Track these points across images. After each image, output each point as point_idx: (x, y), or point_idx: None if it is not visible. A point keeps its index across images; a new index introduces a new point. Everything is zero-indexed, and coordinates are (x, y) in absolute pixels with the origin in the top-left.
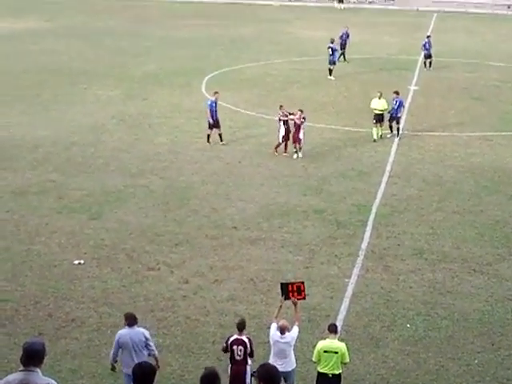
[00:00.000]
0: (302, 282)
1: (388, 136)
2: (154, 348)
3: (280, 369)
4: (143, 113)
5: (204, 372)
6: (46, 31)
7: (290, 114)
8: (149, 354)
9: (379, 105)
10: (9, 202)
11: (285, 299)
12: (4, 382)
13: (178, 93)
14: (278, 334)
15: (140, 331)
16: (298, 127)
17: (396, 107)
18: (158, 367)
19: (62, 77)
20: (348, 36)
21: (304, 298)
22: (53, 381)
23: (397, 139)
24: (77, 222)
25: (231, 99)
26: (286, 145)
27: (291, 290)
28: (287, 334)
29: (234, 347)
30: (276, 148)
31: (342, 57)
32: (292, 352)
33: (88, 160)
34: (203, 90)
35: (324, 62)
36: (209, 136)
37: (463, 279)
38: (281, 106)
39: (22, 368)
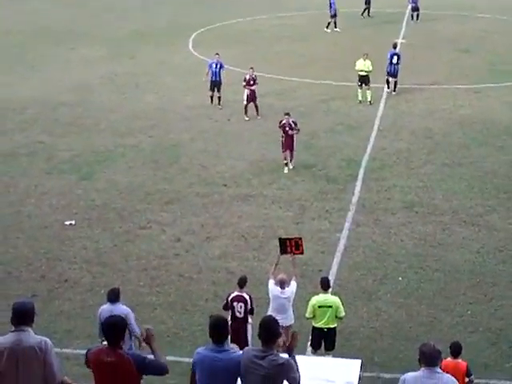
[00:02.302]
0: (300, 238)
1: (386, 90)
2: (135, 328)
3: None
4: (130, 72)
5: (212, 319)
6: None
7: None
8: (130, 334)
9: (364, 66)
10: None
11: (281, 254)
12: None
13: (165, 50)
14: (278, 288)
15: (121, 310)
16: (287, 132)
17: (395, 62)
18: (141, 346)
19: (47, 37)
20: None
21: (302, 253)
22: (46, 339)
23: (388, 91)
24: (67, 183)
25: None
26: (246, 108)
27: (289, 245)
28: (287, 288)
29: (235, 304)
30: (246, 111)
31: (366, 12)
32: (291, 307)
33: (76, 120)
34: (190, 47)
35: (311, 17)
36: (212, 97)
37: (454, 231)
38: (251, 68)
39: (13, 329)
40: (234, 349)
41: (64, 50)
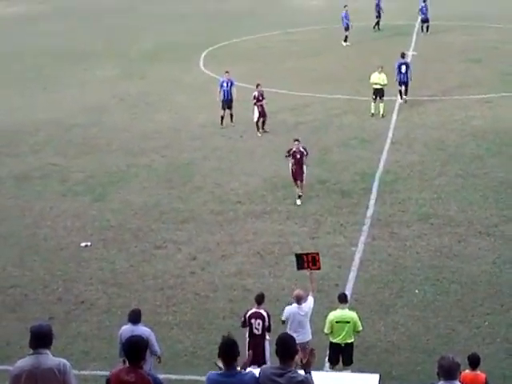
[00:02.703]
0: (317, 253)
1: (400, 101)
2: (156, 349)
3: (298, 340)
4: (142, 91)
5: (222, 340)
6: (40, 13)
7: (289, 153)
8: (151, 353)
9: (379, 79)
10: (12, 187)
11: (298, 269)
12: (16, 368)
13: (176, 69)
14: (295, 304)
15: (142, 330)
16: (298, 161)
17: (404, 72)
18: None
19: (60, 58)
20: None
21: (319, 269)
22: (65, 360)
23: (402, 101)
24: (81, 205)
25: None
26: (257, 124)
27: (306, 261)
28: (303, 304)
29: (253, 321)
30: (258, 127)
31: (376, 26)
32: (308, 323)
33: (89, 141)
34: (201, 65)
35: (320, 32)
36: (222, 117)
37: (470, 242)
38: (258, 85)
39: (31, 352)
40: (246, 371)
41: (77, 70)
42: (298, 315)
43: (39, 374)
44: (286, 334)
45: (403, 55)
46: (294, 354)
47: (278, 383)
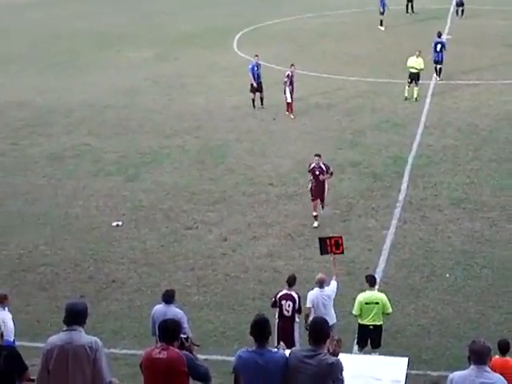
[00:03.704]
0: (340, 237)
1: (435, 79)
2: (187, 331)
3: None
4: (176, 73)
5: (254, 318)
6: None
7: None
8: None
9: (416, 63)
10: (45, 167)
11: (322, 254)
12: (48, 343)
13: (210, 52)
14: (317, 288)
15: (175, 312)
16: (318, 178)
17: (439, 50)
18: (191, 349)
19: (94, 40)
20: None
21: (342, 253)
22: (96, 338)
23: (437, 78)
24: (113, 185)
25: (263, 55)
26: (290, 105)
27: (329, 245)
28: (326, 287)
29: (283, 302)
30: (289, 110)
31: (410, 8)
32: (332, 307)
33: (122, 122)
34: (235, 47)
35: (354, 15)
36: (253, 100)
37: (502, 227)
38: (292, 65)
39: (65, 328)
40: (278, 349)
41: (110, 53)
42: (321, 298)
43: (71, 350)
44: (320, 317)
45: (439, 34)
46: (326, 338)
47: (308, 364)
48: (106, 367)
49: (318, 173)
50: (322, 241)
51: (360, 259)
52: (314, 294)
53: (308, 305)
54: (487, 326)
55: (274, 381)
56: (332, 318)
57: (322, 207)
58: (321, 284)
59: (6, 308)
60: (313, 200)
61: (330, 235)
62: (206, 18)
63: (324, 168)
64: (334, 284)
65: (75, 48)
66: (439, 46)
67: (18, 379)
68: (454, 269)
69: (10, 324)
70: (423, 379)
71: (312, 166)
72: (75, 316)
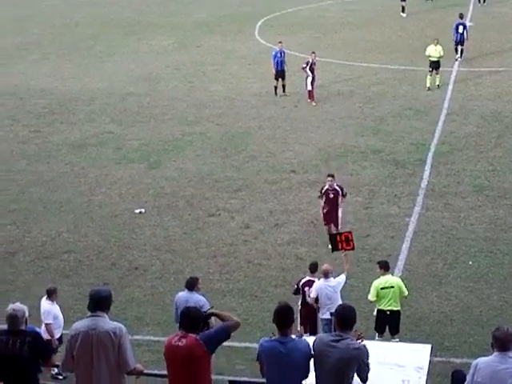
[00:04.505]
0: (350, 232)
1: (457, 58)
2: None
3: (326, 316)
4: (197, 61)
5: (278, 306)
6: None
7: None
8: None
9: (435, 52)
10: (68, 154)
11: (333, 251)
12: (73, 329)
13: (231, 39)
14: (322, 279)
15: (197, 298)
16: (332, 201)
17: (461, 32)
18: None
19: (115, 28)
20: None
21: (353, 249)
22: (120, 325)
23: (460, 60)
24: (136, 172)
25: (285, 43)
26: (312, 92)
27: (340, 241)
28: (332, 278)
29: (306, 289)
30: (311, 97)
31: None
32: (339, 298)
33: (144, 110)
34: (256, 35)
35: (376, 2)
36: (276, 87)
37: None
38: (313, 52)
39: (89, 314)
40: (300, 337)
41: (132, 40)
42: (325, 289)
43: (95, 336)
44: (347, 304)
45: (461, 16)
46: (352, 323)
47: (335, 348)
48: (131, 353)
49: (332, 196)
50: (333, 237)
51: (382, 246)
52: (318, 284)
53: (312, 295)
54: (510, 313)
55: (297, 369)
56: None
57: (336, 230)
58: (325, 274)
59: (55, 302)
60: (326, 224)
61: (341, 231)
62: (227, 6)
63: (339, 190)
64: (342, 277)
65: (95, 36)
66: (461, 28)
67: (42, 364)
68: (476, 256)
69: (61, 318)
70: (446, 366)
71: (325, 188)
72: (99, 302)
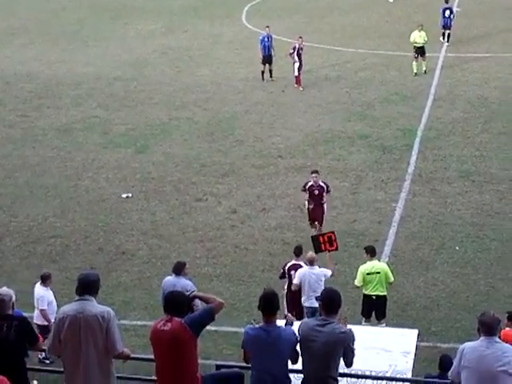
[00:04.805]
0: (332, 232)
1: (442, 41)
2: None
3: (309, 304)
4: (184, 45)
5: (263, 292)
6: None
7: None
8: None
9: (420, 38)
10: (54, 139)
11: (316, 252)
12: (60, 312)
13: (219, 24)
14: (307, 266)
15: (185, 283)
16: (316, 198)
17: (448, 16)
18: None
19: (102, 13)
20: None
21: (336, 249)
22: (108, 308)
23: (446, 44)
24: (123, 156)
25: (272, 28)
26: (299, 77)
27: (323, 242)
28: (316, 267)
29: (292, 272)
30: (298, 82)
31: None
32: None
33: (131, 94)
34: (243, 19)
35: None
36: (263, 72)
37: (511, 200)
38: (299, 37)
39: (77, 298)
40: (286, 320)
41: (118, 25)
42: (309, 276)
43: (83, 319)
44: (332, 288)
45: (447, 0)
46: (337, 308)
47: (321, 332)
48: (119, 337)
49: (317, 192)
50: (316, 239)
51: (369, 231)
52: (302, 271)
53: (295, 281)
54: (497, 298)
55: (282, 357)
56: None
57: (320, 229)
58: (311, 262)
59: (49, 287)
60: (310, 223)
61: (323, 232)
62: None
63: (324, 186)
64: (328, 271)
65: (82, 20)
66: (447, 12)
67: (29, 349)
68: (463, 241)
69: (55, 303)
70: (433, 351)
71: (309, 184)
72: (87, 286)
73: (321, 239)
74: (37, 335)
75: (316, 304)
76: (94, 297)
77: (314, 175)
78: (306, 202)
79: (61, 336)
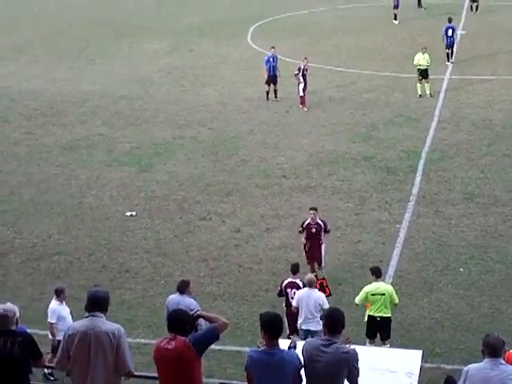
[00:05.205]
0: (324, 278)
1: (447, 63)
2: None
3: (304, 326)
4: (189, 65)
5: (266, 315)
6: None
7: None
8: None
9: (424, 60)
10: (59, 156)
11: None
12: (70, 328)
13: (224, 44)
14: (306, 288)
15: (189, 302)
16: (314, 236)
17: (450, 35)
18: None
19: (107, 31)
20: None
21: (330, 294)
22: (119, 326)
23: (450, 62)
24: (127, 175)
25: (277, 48)
26: (303, 98)
27: None
28: (316, 289)
29: (288, 290)
30: (302, 103)
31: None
32: (319, 312)
33: (136, 113)
34: (249, 40)
35: (368, 9)
36: (267, 92)
37: None
38: (305, 58)
39: (87, 314)
40: (291, 342)
41: (124, 43)
42: (306, 298)
43: (93, 336)
44: (336, 308)
45: (450, 20)
46: (341, 328)
47: (324, 352)
48: (129, 355)
49: (314, 231)
50: None
51: (373, 252)
52: (301, 293)
53: (294, 304)
54: (501, 320)
55: (285, 381)
56: (316, 325)
57: (320, 268)
58: (310, 285)
59: (64, 302)
60: (309, 263)
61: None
62: (219, 10)
63: (322, 224)
64: (326, 304)
65: (87, 38)
66: (450, 31)
67: (33, 365)
68: (467, 263)
69: (69, 320)
70: (437, 372)
71: (307, 222)
72: (97, 303)
73: None
74: (40, 351)
75: (312, 327)
76: (103, 314)
77: (311, 212)
78: (303, 242)
79: (70, 352)
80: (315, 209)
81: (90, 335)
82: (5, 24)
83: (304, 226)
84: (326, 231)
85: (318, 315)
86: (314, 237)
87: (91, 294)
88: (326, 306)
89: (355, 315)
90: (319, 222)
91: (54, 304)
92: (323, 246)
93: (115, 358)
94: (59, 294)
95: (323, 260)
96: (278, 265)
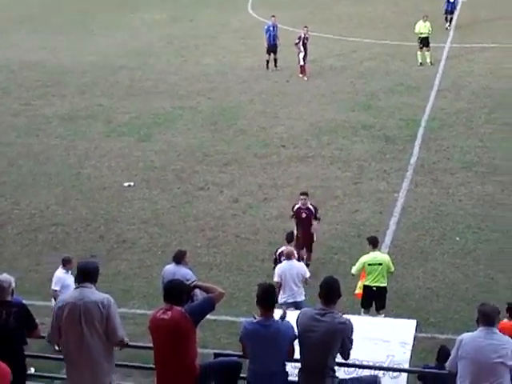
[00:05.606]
0: None
1: (446, 27)
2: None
3: (291, 299)
4: (190, 34)
5: (260, 287)
6: None
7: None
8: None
9: (425, 28)
10: (58, 127)
11: None
12: (60, 300)
13: (224, 13)
14: (286, 261)
15: (184, 272)
16: (304, 222)
17: (452, 1)
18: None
19: (107, 1)
20: None
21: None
22: (108, 296)
23: (449, 28)
24: (126, 145)
25: (277, 17)
26: (303, 68)
27: None
28: (295, 260)
29: (283, 258)
30: (302, 72)
31: None
32: (301, 282)
33: (136, 83)
34: (249, 9)
35: None
36: (267, 62)
37: None
38: (305, 27)
39: (76, 285)
40: (283, 312)
41: (124, 14)
42: (288, 270)
43: (82, 307)
44: (332, 276)
45: None
46: (337, 297)
47: (320, 322)
48: (120, 324)
49: (304, 216)
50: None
51: (370, 222)
52: (281, 267)
53: (275, 279)
54: (496, 289)
55: (280, 352)
56: (301, 295)
57: (309, 258)
58: (288, 257)
59: (70, 272)
60: (298, 249)
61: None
62: None
63: (312, 210)
64: (307, 273)
65: (87, 9)
66: None
67: (27, 336)
68: (464, 232)
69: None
70: (431, 342)
71: (297, 207)
72: (87, 274)
73: None
74: (35, 322)
75: (298, 298)
76: (93, 285)
77: (302, 197)
78: (294, 227)
79: (60, 324)
80: (306, 193)
81: (80, 306)
82: None
83: (294, 210)
84: (316, 218)
85: (301, 285)
86: (304, 222)
87: (81, 266)
88: (308, 274)
89: (351, 285)
90: (310, 207)
91: (59, 272)
92: (314, 235)
93: (106, 327)
94: (66, 263)
95: (312, 248)
96: (275, 235)
